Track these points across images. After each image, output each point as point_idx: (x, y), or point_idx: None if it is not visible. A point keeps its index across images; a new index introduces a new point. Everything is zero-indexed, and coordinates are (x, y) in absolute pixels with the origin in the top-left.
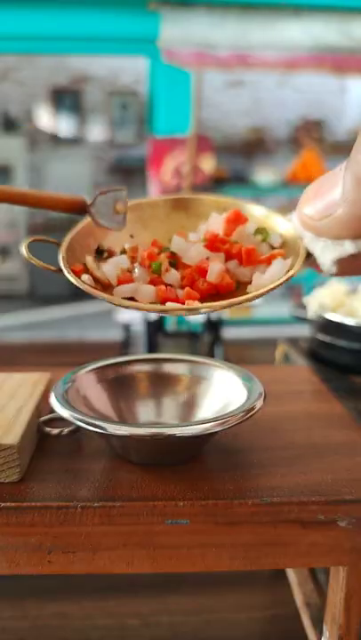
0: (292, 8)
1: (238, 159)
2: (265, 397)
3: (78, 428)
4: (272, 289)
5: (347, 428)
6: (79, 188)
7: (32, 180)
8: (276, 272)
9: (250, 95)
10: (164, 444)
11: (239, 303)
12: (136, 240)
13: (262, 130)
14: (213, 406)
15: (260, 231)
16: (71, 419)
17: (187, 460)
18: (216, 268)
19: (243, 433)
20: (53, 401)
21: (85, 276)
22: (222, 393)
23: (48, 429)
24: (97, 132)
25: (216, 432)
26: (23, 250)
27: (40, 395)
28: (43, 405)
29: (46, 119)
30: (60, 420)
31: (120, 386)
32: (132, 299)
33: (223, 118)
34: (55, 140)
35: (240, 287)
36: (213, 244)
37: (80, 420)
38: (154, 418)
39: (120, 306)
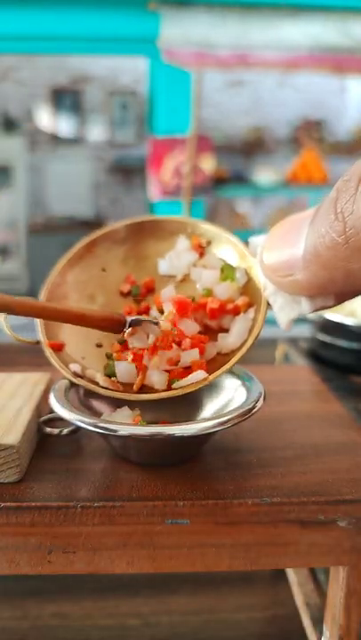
0: (292, 8)
1: (238, 159)
2: (265, 397)
3: (78, 427)
4: (240, 358)
5: (347, 428)
6: (79, 188)
7: (32, 180)
8: (240, 330)
9: (250, 95)
10: (163, 443)
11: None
12: (109, 274)
13: (262, 130)
14: (213, 406)
15: (225, 270)
16: (71, 419)
17: (187, 460)
18: (188, 358)
19: (243, 433)
20: (53, 401)
21: (72, 365)
22: (222, 393)
23: (48, 429)
24: (97, 132)
25: (215, 432)
26: (2, 321)
27: (40, 395)
28: (43, 405)
29: (46, 119)
30: (60, 420)
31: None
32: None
33: (223, 118)
34: (55, 139)
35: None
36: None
37: (80, 420)
38: (154, 417)
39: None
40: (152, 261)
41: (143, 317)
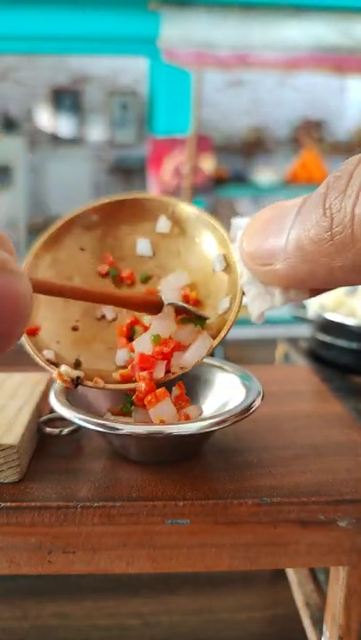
0: (293, 8)
1: (238, 159)
2: (263, 396)
3: (78, 427)
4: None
5: (347, 428)
6: (79, 188)
7: (32, 181)
8: (199, 349)
9: (250, 95)
10: (162, 441)
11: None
12: (87, 254)
13: (262, 130)
14: (212, 405)
15: (192, 287)
16: (71, 417)
17: (186, 458)
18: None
19: (243, 433)
20: (53, 400)
21: (46, 352)
22: (221, 392)
23: (48, 429)
24: (97, 132)
25: (214, 431)
26: None
27: (40, 395)
28: (43, 405)
29: (46, 119)
30: (60, 420)
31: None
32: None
33: (223, 118)
34: (55, 139)
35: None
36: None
37: (80, 419)
38: None
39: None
40: (131, 240)
41: (182, 304)
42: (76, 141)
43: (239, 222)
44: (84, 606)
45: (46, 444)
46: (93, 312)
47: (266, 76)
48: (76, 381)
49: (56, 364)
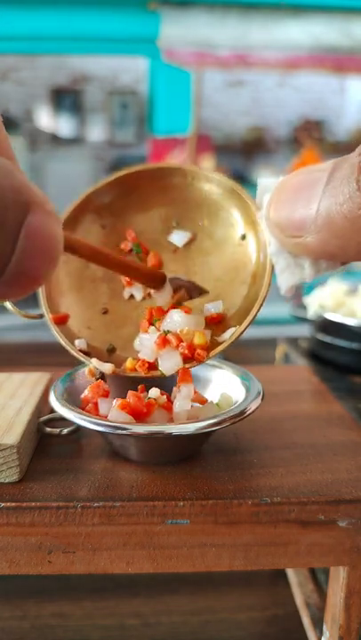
0: (292, 8)
1: (238, 159)
2: (263, 397)
3: (78, 427)
4: (248, 325)
5: (347, 428)
6: (79, 188)
7: (32, 180)
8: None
9: (250, 95)
10: (162, 441)
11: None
12: (108, 231)
13: (262, 130)
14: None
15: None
16: (71, 417)
17: (186, 458)
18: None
19: (243, 433)
20: (53, 400)
21: (78, 342)
22: (221, 392)
23: (48, 429)
24: (97, 132)
25: (213, 431)
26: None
27: (40, 395)
28: (43, 405)
29: (46, 119)
30: (60, 420)
31: (120, 384)
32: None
33: (223, 118)
34: (55, 139)
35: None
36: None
37: (80, 419)
38: None
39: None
40: (153, 214)
41: (185, 279)
42: (76, 141)
43: (266, 183)
44: (84, 606)
45: (46, 444)
46: (121, 293)
47: (266, 76)
48: (101, 377)
49: (88, 354)
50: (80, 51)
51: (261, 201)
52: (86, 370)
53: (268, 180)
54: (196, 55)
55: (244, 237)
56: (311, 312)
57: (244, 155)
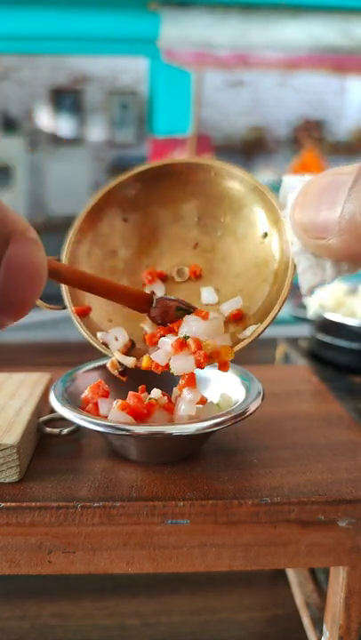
0: (292, 8)
1: (238, 159)
2: (263, 397)
3: (78, 427)
4: (270, 322)
5: (347, 428)
6: (79, 188)
7: (32, 181)
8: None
9: (250, 95)
10: (162, 441)
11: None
12: (130, 225)
13: (262, 130)
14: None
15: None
16: (71, 417)
17: (186, 458)
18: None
19: (243, 433)
20: (53, 400)
21: (100, 334)
22: (221, 392)
23: (48, 429)
24: (97, 132)
25: (213, 431)
26: None
27: (40, 395)
28: (43, 405)
29: (46, 119)
30: (60, 420)
31: (120, 384)
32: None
33: (223, 118)
34: (55, 139)
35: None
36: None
37: (80, 419)
38: None
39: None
40: (175, 208)
41: (172, 298)
42: (76, 141)
43: (291, 181)
44: (84, 606)
45: (46, 444)
46: (140, 286)
47: (266, 75)
48: (124, 370)
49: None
50: (80, 51)
51: (285, 200)
52: (109, 363)
53: (292, 179)
54: (196, 55)
55: (265, 235)
56: (311, 312)
57: (244, 155)
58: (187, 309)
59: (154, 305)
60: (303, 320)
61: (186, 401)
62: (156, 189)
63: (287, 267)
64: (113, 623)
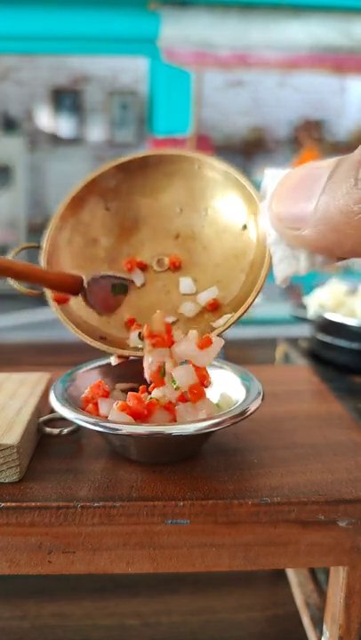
0: (292, 8)
1: (238, 159)
2: (263, 397)
3: (78, 427)
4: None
5: (347, 428)
6: None
7: (32, 180)
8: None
9: (250, 95)
10: (162, 442)
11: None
12: (112, 214)
13: (262, 129)
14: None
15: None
16: (71, 417)
17: (186, 458)
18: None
19: (243, 433)
20: (53, 400)
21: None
22: (221, 392)
23: (48, 429)
24: (97, 132)
25: (213, 431)
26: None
27: (40, 395)
28: (43, 405)
29: (46, 119)
30: (60, 420)
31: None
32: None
33: (223, 118)
34: (55, 139)
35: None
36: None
37: (80, 419)
38: None
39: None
40: (157, 199)
41: (108, 274)
42: (75, 141)
43: (273, 173)
44: (84, 606)
45: (46, 444)
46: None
47: (266, 75)
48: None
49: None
50: (80, 51)
51: (266, 192)
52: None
53: (274, 171)
54: (196, 55)
55: (245, 227)
56: (311, 312)
57: (244, 155)
58: (122, 282)
59: (86, 286)
60: (303, 320)
61: (195, 409)
62: (139, 180)
63: (264, 258)
64: (113, 623)
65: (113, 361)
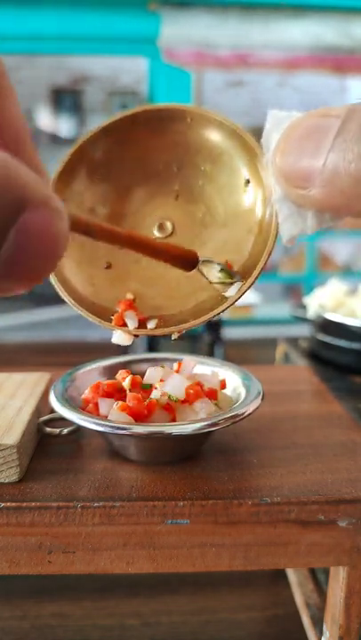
0: (292, 8)
1: None
2: (263, 397)
3: (78, 427)
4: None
5: (347, 428)
6: None
7: None
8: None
9: (250, 95)
10: (162, 441)
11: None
12: (107, 180)
13: (262, 129)
14: None
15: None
16: (71, 417)
17: (186, 458)
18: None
19: (243, 433)
20: (53, 400)
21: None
22: (221, 392)
23: (48, 429)
24: None
25: (212, 431)
26: None
27: (40, 395)
28: (43, 405)
29: (46, 119)
30: (60, 420)
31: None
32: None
33: None
34: (55, 139)
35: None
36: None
37: (80, 419)
38: None
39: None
40: (152, 160)
41: (218, 263)
42: (76, 141)
43: (277, 116)
44: (84, 606)
45: (46, 444)
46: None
47: (266, 75)
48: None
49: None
50: (80, 51)
51: (268, 139)
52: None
53: (278, 113)
54: (196, 55)
55: (248, 182)
56: (311, 312)
57: None
58: (229, 272)
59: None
60: (303, 320)
61: (197, 409)
62: (129, 141)
63: (271, 217)
64: (113, 623)
65: (115, 338)
